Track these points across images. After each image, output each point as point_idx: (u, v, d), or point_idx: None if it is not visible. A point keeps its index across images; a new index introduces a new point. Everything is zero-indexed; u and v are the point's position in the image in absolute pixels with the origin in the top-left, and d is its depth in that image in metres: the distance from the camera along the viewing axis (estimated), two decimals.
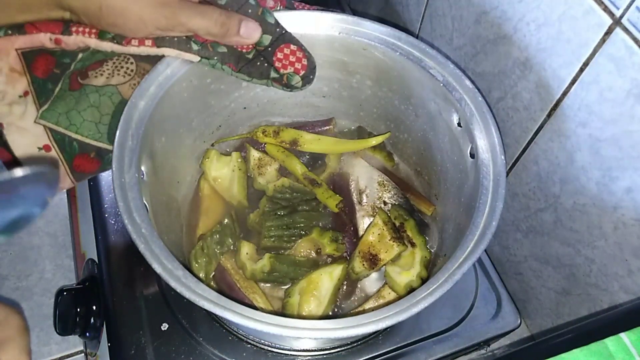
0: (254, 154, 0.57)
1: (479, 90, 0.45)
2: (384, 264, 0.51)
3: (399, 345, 0.53)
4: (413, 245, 0.51)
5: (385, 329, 0.54)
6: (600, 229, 0.45)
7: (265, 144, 0.58)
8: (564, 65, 0.43)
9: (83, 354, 0.66)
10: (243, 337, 0.52)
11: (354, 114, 0.60)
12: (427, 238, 0.53)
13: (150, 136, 0.45)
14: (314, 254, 0.53)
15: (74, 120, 0.46)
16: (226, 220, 0.52)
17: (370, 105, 0.57)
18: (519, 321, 0.56)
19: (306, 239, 0.53)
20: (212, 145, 0.58)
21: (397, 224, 0.53)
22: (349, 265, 0.51)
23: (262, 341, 0.52)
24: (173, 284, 0.36)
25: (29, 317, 0.67)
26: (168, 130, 0.49)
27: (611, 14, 0.37)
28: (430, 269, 0.51)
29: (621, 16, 0.36)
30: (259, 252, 0.52)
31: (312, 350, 0.52)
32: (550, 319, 0.58)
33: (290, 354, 0.52)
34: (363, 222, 0.56)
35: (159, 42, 0.45)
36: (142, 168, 0.43)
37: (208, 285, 0.49)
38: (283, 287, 0.52)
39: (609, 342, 0.31)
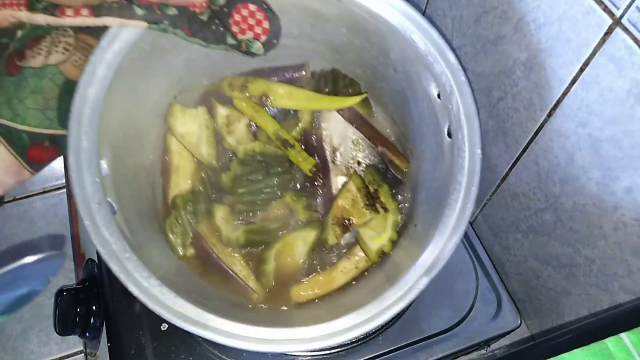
0: (221, 111, 0.55)
1: (463, 68, 0.43)
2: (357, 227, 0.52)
3: (399, 345, 0.53)
4: (386, 210, 0.52)
5: (384, 327, 0.54)
6: (601, 229, 0.45)
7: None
8: (564, 65, 0.43)
9: (83, 354, 0.66)
10: None
11: (329, 55, 0.56)
12: (400, 197, 0.54)
13: (106, 121, 0.42)
14: (287, 215, 0.53)
15: (18, 110, 0.42)
16: (200, 188, 0.52)
17: (346, 50, 0.53)
18: (519, 321, 0.56)
19: (280, 201, 0.53)
20: (175, 97, 0.54)
21: (372, 189, 0.53)
22: (322, 233, 0.52)
23: None
24: (151, 306, 0.37)
25: (29, 318, 0.67)
26: (125, 104, 0.45)
27: (611, 14, 0.37)
28: (401, 231, 0.51)
29: (621, 16, 0.36)
30: (233, 213, 0.52)
31: (312, 351, 0.52)
32: (551, 319, 0.58)
33: (291, 354, 0.52)
34: (336, 181, 0.55)
35: (96, 10, 0.40)
36: (102, 162, 0.41)
37: (185, 254, 0.50)
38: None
39: (610, 342, 0.31)
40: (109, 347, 0.51)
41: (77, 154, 0.39)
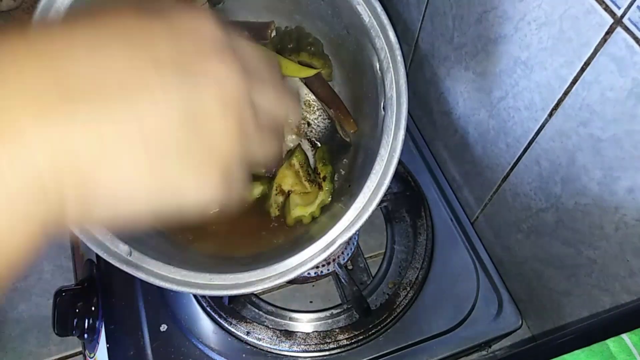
0: None
1: (402, 51, 0.43)
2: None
3: (400, 346, 0.53)
4: (320, 188, 0.53)
5: (384, 328, 0.54)
6: (602, 229, 0.45)
7: None
8: (565, 64, 0.43)
9: (82, 355, 0.66)
10: (242, 338, 0.52)
11: (292, 7, 0.55)
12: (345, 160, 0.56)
13: None
14: None
15: None
16: None
17: (306, 3, 0.53)
18: (521, 322, 0.56)
19: None
20: None
21: (319, 166, 0.54)
22: (266, 203, 0.53)
23: (262, 342, 0.51)
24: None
25: (27, 318, 0.66)
26: None
27: (612, 14, 0.37)
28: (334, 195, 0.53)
29: (622, 16, 0.36)
30: None
31: (312, 351, 0.52)
32: (552, 320, 0.57)
33: (290, 355, 0.52)
34: (287, 139, 0.57)
35: None
36: None
37: None
38: None
39: (611, 343, 0.31)
40: (107, 348, 0.51)
41: None
